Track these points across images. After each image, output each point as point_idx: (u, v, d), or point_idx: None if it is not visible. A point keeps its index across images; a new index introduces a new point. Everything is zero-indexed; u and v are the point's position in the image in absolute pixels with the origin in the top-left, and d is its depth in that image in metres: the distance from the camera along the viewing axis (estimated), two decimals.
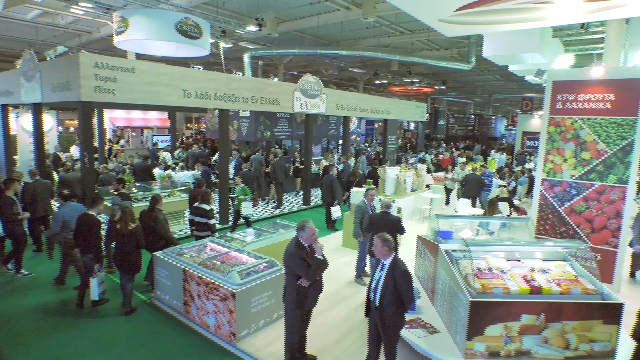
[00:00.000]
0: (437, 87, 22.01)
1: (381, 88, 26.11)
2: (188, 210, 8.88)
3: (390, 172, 10.56)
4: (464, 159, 16.56)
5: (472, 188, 10.71)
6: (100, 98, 7.56)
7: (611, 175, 6.57)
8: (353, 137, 20.53)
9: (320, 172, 13.48)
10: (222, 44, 14.75)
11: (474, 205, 10.80)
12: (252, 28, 13.07)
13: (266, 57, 19.28)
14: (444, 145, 22.99)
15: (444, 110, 23.65)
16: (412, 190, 11.06)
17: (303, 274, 4.22)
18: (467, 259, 4.56)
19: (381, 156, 16.05)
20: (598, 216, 6.73)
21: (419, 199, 11.00)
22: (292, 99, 11.34)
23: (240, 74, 16.80)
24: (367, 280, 6.94)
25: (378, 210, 6.71)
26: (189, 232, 8.71)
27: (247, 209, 8.60)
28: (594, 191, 6.73)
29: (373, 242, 4.15)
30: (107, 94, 7.62)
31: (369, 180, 9.99)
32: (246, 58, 15.71)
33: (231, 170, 12.22)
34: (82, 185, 8.00)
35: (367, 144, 22.18)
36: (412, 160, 15.77)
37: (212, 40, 14.53)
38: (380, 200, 6.81)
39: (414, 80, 20.23)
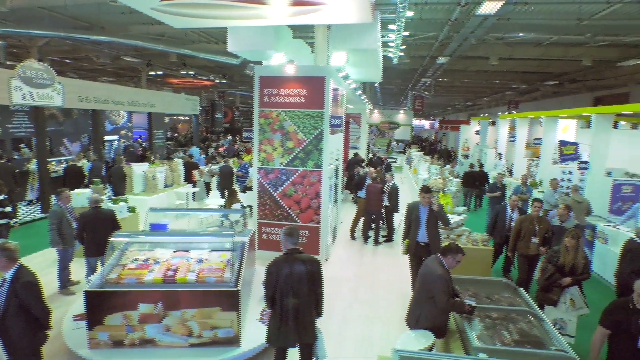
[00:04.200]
0: (217, 81, 22.11)
1: (162, 79, 24.79)
2: None
3: (137, 169, 9.92)
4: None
5: (225, 180, 10.98)
6: None
7: (310, 161, 7.51)
8: (123, 132, 18.85)
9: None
10: None
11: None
12: None
13: (11, 37, 15.82)
14: (230, 137, 23.38)
15: (221, 104, 23.96)
16: (167, 186, 10.67)
17: None
18: (133, 251, 4.47)
19: (148, 152, 15.15)
20: (304, 197, 7.63)
21: (174, 195, 10.68)
22: (9, 89, 9.49)
23: None
24: (75, 289, 6.29)
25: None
26: None
27: None
28: (299, 176, 7.58)
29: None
30: None
31: (96, 180, 9.13)
32: None
33: None
34: None
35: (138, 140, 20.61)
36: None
37: None
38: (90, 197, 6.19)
39: (190, 72, 19.77)
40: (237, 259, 4.62)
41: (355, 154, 14.98)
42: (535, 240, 6.35)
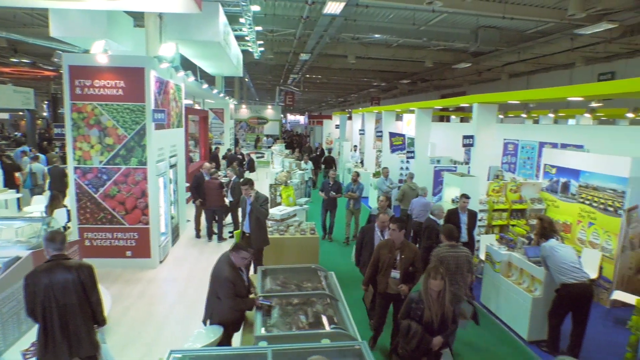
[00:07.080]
0: (62, 71, 19.52)
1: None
2: None
3: None
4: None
5: (56, 183, 9.79)
6: None
7: (133, 158, 7.01)
8: None
9: None
10: None
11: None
12: None
13: None
14: None
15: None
16: None
17: None
18: None
19: None
20: (129, 197, 7.11)
21: None
22: None
23: None
24: None
25: None
26: None
27: None
28: (122, 174, 7.04)
29: None
30: None
31: None
32: None
33: None
34: None
35: None
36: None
37: None
38: None
39: (24, 60, 17.17)
40: None
41: (216, 148, 14.66)
42: (395, 274, 4.60)
